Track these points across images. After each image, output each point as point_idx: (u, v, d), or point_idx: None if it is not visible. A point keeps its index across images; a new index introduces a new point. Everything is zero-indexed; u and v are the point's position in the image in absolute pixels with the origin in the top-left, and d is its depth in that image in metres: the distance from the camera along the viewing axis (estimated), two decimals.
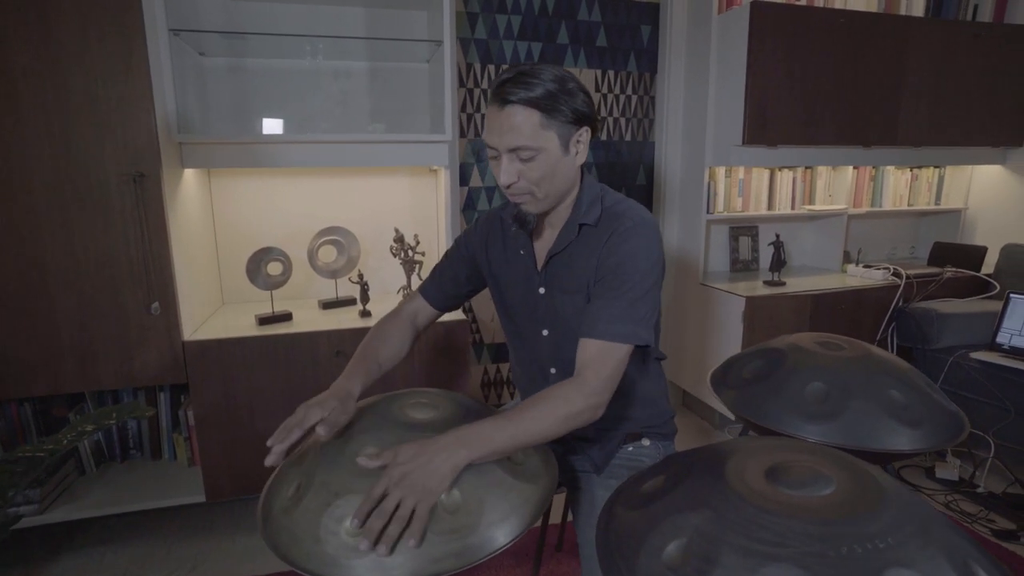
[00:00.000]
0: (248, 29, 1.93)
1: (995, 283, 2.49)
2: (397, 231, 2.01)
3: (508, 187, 0.97)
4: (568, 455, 1.18)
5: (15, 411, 1.76)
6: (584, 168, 1.05)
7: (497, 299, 1.18)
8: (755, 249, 2.76)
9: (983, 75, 2.52)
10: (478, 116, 2.40)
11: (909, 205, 2.88)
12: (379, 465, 0.79)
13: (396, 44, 1.99)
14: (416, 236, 2.06)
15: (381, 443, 0.83)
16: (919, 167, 2.85)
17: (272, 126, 2.02)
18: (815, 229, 2.83)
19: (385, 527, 0.71)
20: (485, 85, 2.38)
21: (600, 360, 0.91)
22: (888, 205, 2.82)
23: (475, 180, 2.45)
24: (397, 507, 0.73)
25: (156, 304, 1.61)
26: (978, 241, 2.82)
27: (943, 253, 2.72)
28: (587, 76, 2.50)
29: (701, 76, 2.40)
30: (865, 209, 2.76)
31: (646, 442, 1.14)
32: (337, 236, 2.02)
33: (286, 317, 1.85)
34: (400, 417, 0.90)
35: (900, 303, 2.39)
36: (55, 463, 1.74)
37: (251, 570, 1.67)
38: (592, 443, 1.13)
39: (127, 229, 1.57)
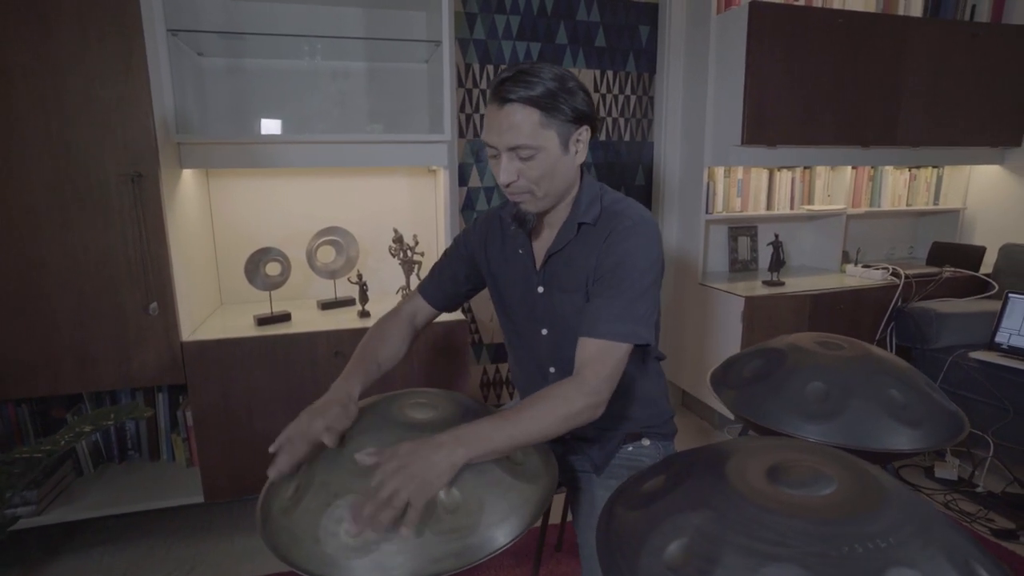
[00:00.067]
0: (247, 29, 1.93)
1: (994, 283, 2.49)
2: (396, 231, 2.01)
3: (507, 186, 0.97)
4: (568, 455, 1.17)
5: (12, 412, 1.75)
6: (584, 167, 1.05)
7: (496, 298, 1.18)
8: (754, 249, 2.76)
9: (981, 75, 2.52)
10: (477, 116, 2.39)
11: (908, 205, 2.88)
12: (377, 462, 0.79)
13: (395, 44, 1.99)
14: (415, 236, 2.06)
15: (381, 443, 0.83)
16: (918, 167, 2.85)
17: (271, 126, 2.02)
18: (814, 229, 2.83)
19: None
20: (484, 85, 2.38)
21: (599, 359, 0.91)
22: (887, 205, 2.82)
23: (474, 180, 2.44)
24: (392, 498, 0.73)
25: (154, 304, 1.61)
26: (976, 241, 2.83)
27: (942, 253, 2.73)
28: (586, 76, 2.50)
29: (700, 76, 2.41)
30: (864, 209, 2.77)
31: (646, 442, 1.14)
32: (336, 236, 2.02)
33: (285, 317, 1.85)
34: (400, 417, 0.90)
35: (899, 303, 2.39)
36: (53, 464, 1.73)
37: (250, 570, 1.67)
38: (592, 443, 1.13)
39: (126, 229, 1.56)
